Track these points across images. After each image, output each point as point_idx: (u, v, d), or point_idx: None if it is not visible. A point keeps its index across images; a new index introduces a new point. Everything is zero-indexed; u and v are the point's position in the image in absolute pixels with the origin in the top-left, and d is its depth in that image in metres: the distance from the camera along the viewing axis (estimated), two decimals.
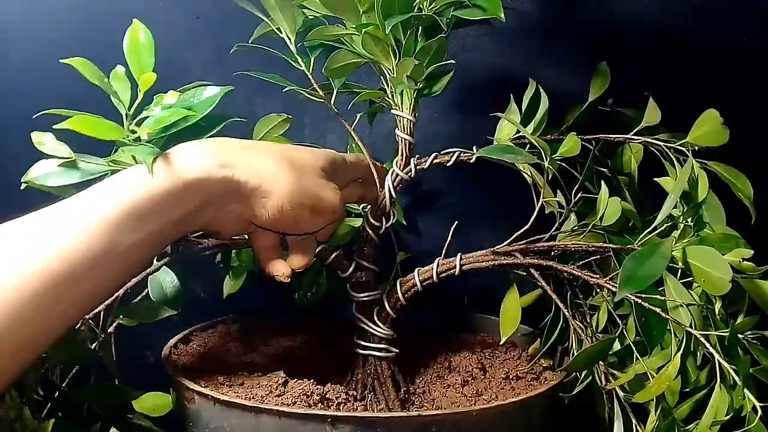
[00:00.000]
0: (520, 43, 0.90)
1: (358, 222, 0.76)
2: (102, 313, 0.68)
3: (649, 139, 0.72)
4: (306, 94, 0.70)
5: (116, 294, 0.68)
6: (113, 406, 0.68)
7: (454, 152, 0.69)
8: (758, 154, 0.74)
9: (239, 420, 0.61)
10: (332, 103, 0.70)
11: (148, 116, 0.60)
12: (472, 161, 0.69)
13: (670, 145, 0.71)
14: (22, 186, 0.62)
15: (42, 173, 0.61)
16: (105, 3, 0.93)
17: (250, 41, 0.71)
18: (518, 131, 0.71)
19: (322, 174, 0.63)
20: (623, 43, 0.87)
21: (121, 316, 0.70)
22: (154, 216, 0.55)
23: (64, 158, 0.61)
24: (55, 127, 0.58)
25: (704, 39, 0.85)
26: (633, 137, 0.74)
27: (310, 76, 0.69)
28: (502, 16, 0.63)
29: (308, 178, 0.62)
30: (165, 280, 0.72)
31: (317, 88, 0.70)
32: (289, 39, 0.69)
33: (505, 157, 0.65)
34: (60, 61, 0.60)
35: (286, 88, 0.70)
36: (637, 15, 0.87)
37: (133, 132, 0.60)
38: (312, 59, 0.69)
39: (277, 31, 0.69)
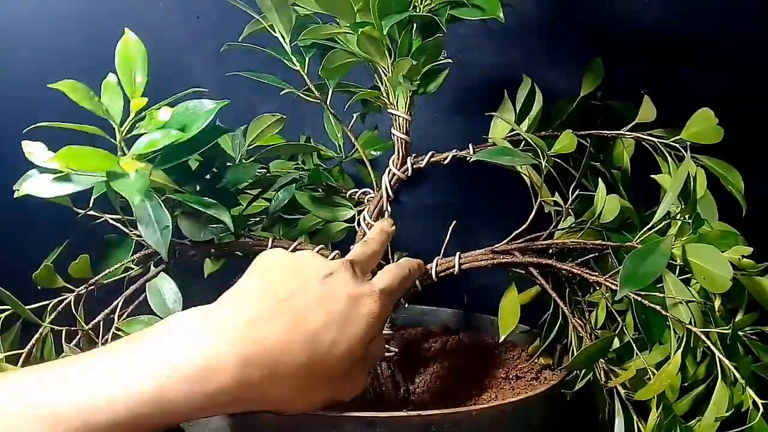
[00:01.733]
0: (520, 43, 0.90)
1: (350, 214, 0.76)
2: (101, 322, 0.68)
3: (642, 135, 0.72)
4: (302, 95, 0.69)
5: (116, 302, 0.68)
6: None
7: (450, 151, 0.69)
8: (749, 147, 0.74)
9: (239, 420, 0.61)
10: (328, 102, 0.70)
11: (142, 133, 0.59)
12: (470, 160, 0.69)
13: (663, 141, 0.71)
14: (16, 195, 0.61)
15: (35, 187, 0.59)
16: (105, 3, 0.93)
17: (240, 39, 0.71)
18: (513, 128, 0.71)
19: (351, 370, 0.57)
20: (623, 43, 0.87)
21: (120, 329, 0.69)
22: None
23: (56, 171, 0.59)
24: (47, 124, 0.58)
25: (704, 39, 0.85)
26: (626, 133, 0.74)
27: (305, 77, 0.69)
28: (501, 16, 0.62)
29: (329, 385, 0.56)
30: (164, 286, 0.72)
31: (313, 89, 0.69)
32: (284, 38, 0.68)
33: (502, 160, 0.64)
34: (48, 86, 0.59)
35: (284, 91, 0.69)
36: (636, 15, 0.87)
37: (124, 153, 0.59)
38: (307, 59, 0.69)
39: (270, 30, 0.69)
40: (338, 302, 0.55)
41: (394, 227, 0.68)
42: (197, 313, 0.53)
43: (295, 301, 0.54)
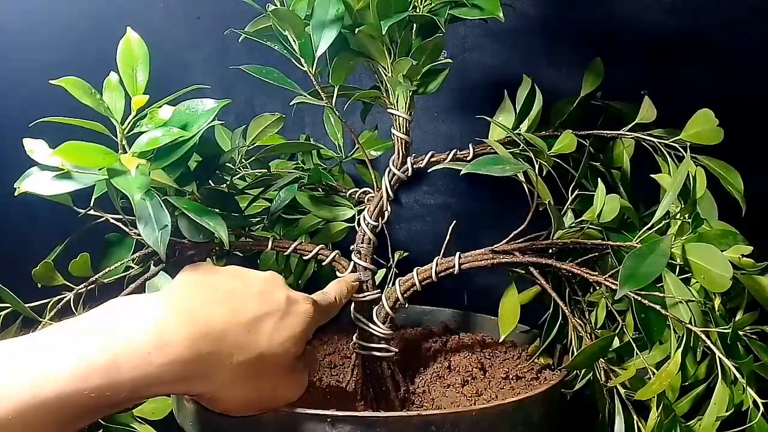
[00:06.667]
0: (520, 43, 0.90)
1: (350, 213, 0.76)
2: None
3: (642, 135, 0.72)
4: (308, 98, 0.68)
5: None
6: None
7: (450, 151, 0.69)
8: (749, 147, 0.74)
9: (239, 420, 0.61)
10: (333, 104, 0.70)
11: (142, 131, 0.58)
12: (460, 174, 0.68)
13: (663, 141, 0.71)
14: (16, 193, 0.61)
15: (35, 185, 0.59)
16: (105, 3, 0.93)
17: (242, 37, 0.70)
18: (513, 127, 0.71)
19: (291, 367, 0.59)
20: (623, 43, 0.87)
21: None
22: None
23: (57, 169, 0.58)
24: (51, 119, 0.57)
25: (704, 39, 0.85)
26: (626, 133, 0.74)
27: (312, 78, 0.67)
28: (501, 16, 0.62)
29: (269, 378, 0.57)
30: (163, 285, 0.71)
31: (319, 91, 0.68)
32: (294, 40, 0.65)
33: (492, 171, 0.63)
34: (51, 82, 0.58)
35: (295, 100, 0.68)
36: (636, 15, 0.87)
37: (125, 151, 0.58)
38: (316, 58, 0.65)
39: (280, 29, 0.66)
40: (277, 300, 0.58)
41: (356, 283, 0.69)
42: (141, 297, 0.54)
43: (237, 294, 0.57)
